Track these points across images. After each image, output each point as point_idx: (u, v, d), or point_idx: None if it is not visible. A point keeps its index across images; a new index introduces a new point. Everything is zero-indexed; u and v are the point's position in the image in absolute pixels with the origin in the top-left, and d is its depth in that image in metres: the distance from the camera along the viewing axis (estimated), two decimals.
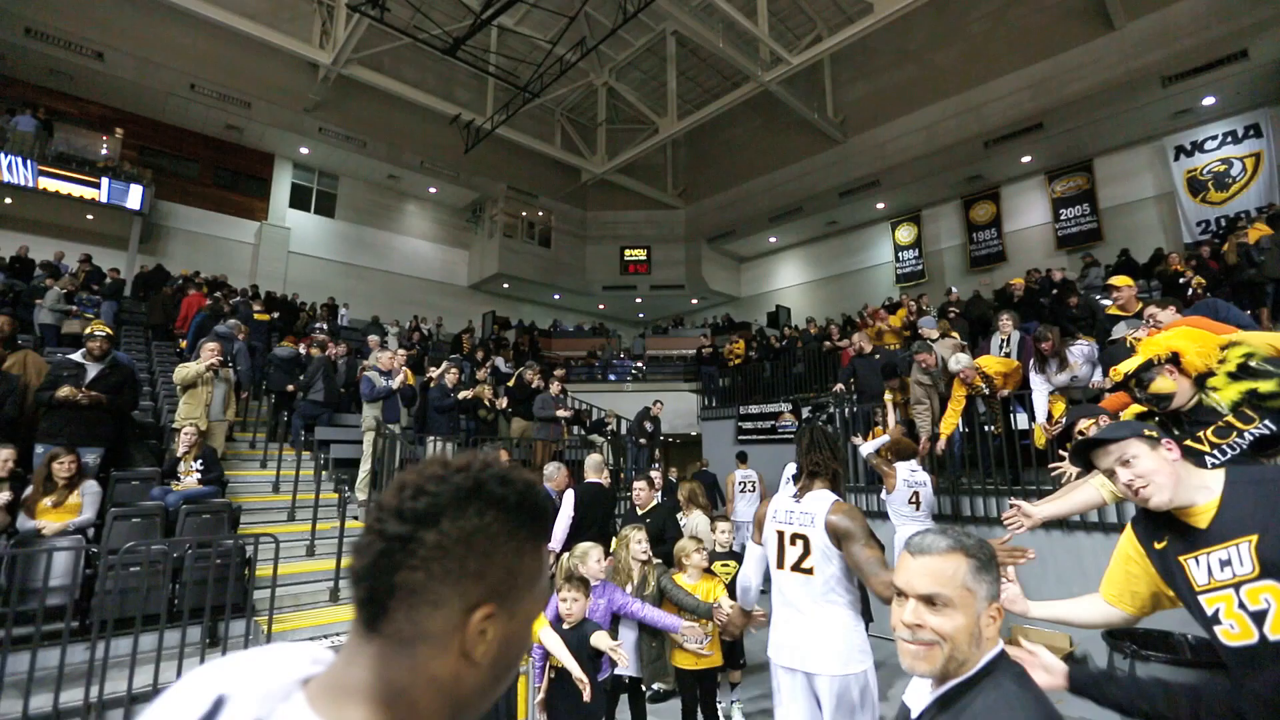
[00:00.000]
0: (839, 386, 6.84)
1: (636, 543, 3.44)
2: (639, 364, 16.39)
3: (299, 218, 16.15)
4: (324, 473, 6.54)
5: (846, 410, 6.91)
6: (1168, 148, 12.18)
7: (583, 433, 8.77)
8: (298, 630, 4.54)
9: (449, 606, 0.53)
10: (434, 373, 7.67)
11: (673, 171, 19.76)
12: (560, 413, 7.64)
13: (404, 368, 7.01)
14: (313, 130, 14.62)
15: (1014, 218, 14.25)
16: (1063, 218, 13.37)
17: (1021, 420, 4.99)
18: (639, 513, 4.46)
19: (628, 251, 19.83)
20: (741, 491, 7.77)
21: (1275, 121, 11.19)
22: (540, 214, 19.20)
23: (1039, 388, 4.41)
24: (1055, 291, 7.68)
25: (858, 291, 16.55)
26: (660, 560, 3.61)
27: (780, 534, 2.38)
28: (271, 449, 6.81)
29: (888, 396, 5.72)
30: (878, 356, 6.34)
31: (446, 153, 16.40)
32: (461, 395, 7.30)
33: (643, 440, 8.70)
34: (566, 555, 3.20)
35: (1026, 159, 13.41)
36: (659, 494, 5.66)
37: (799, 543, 2.31)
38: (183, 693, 0.53)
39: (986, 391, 4.78)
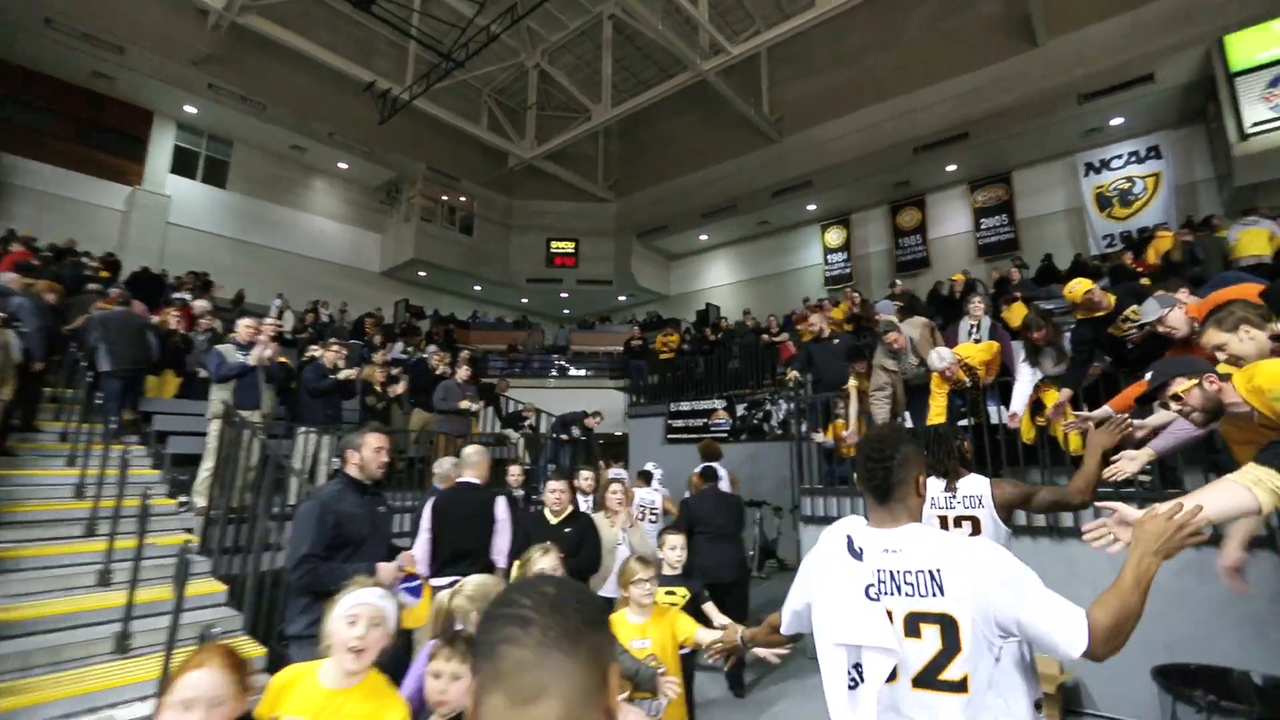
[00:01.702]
0: (793, 374, 6.24)
1: (540, 569, 2.43)
2: (560, 359, 15.57)
3: (182, 185, 14.28)
4: (159, 472, 5.41)
5: (801, 401, 6.37)
6: (1079, 164, 12.76)
7: (499, 428, 7.95)
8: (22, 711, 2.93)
9: None
10: (315, 351, 6.50)
11: (605, 163, 19.14)
12: (464, 404, 6.66)
13: (273, 341, 5.70)
14: (201, 86, 12.93)
15: (938, 225, 14.59)
16: (983, 227, 13.79)
17: (994, 411, 4.58)
18: (551, 520, 3.66)
19: (555, 243, 19.02)
20: (640, 520, 5.41)
21: (1173, 145, 11.91)
22: (462, 199, 18.06)
23: (1026, 378, 4.04)
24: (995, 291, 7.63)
25: (786, 293, 16.51)
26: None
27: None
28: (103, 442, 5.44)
29: (852, 383, 5.18)
30: (836, 341, 5.81)
31: (360, 125, 15.02)
32: (342, 375, 6.03)
33: (564, 437, 7.85)
34: (444, 595, 2.23)
35: (951, 168, 13.73)
36: (589, 499, 4.65)
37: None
38: None
39: (969, 384, 4.39)
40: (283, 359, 5.98)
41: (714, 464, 5.86)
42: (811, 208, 16.11)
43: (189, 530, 4.95)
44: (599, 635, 0.62)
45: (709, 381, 11.21)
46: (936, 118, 12.74)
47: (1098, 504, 1.72)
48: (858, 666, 1.28)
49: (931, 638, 1.27)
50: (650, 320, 17.19)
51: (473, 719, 0.60)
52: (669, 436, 10.58)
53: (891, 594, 1.32)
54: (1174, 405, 1.69)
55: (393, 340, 9.18)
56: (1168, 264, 7.17)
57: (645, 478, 6.03)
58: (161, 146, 14.03)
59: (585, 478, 4.63)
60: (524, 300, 20.70)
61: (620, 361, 14.23)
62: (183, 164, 14.33)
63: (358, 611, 1.73)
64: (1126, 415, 2.67)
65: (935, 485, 2.34)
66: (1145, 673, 3.29)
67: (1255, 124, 9.82)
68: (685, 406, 10.70)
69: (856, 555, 1.38)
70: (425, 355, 7.15)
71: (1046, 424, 4.00)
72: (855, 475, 1.88)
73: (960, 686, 1.24)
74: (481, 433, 7.52)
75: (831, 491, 5.62)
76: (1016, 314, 7.30)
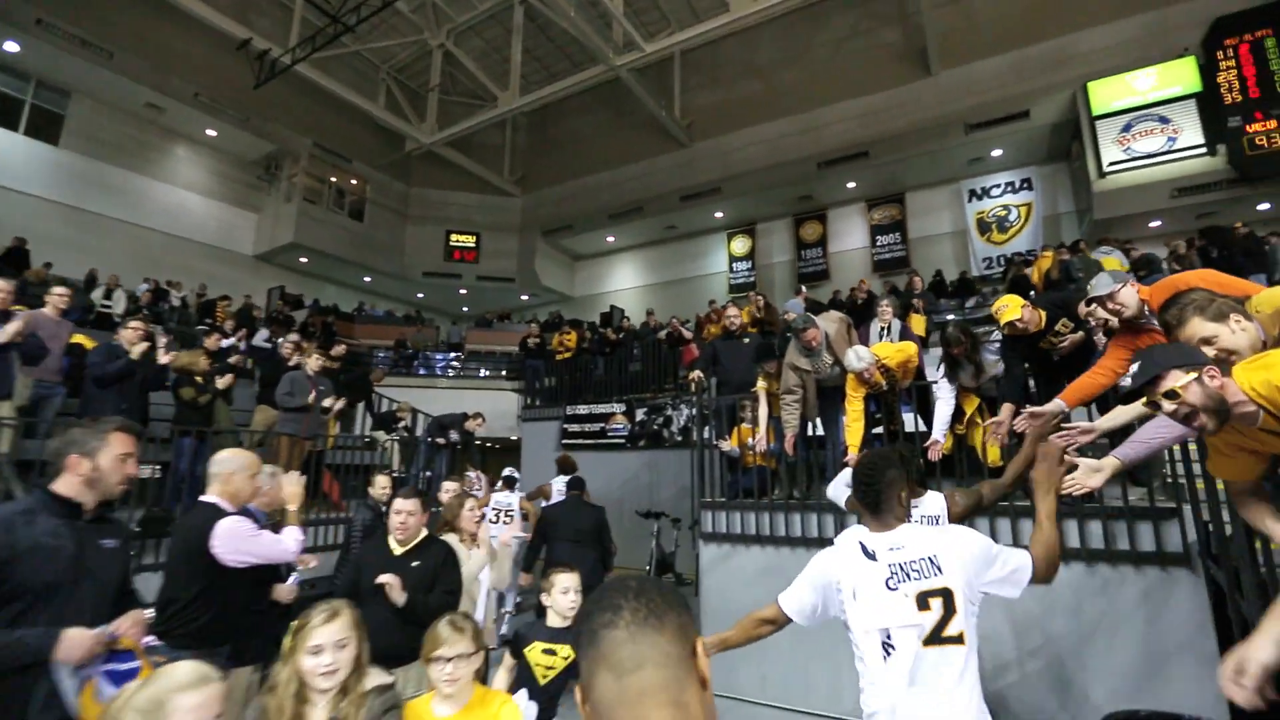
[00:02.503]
0: (695, 375, 5.69)
1: (317, 648, 1.65)
2: (454, 357, 14.61)
3: (1, 138, 12.09)
4: None
5: (704, 405, 5.73)
6: (963, 190, 13.63)
7: (371, 429, 7.07)
8: None
9: None
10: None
11: (511, 156, 18.37)
12: (314, 399, 5.48)
13: (61, 316, 4.57)
14: (27, 20, 10.98)
15: (838, 239, 15.11)
16: (879, 244, 14.41)
17: (909, 419, 4.50)
18: (396, 550, 2.82)
19: (454, 236, 18.00)
20: (494, 523, 5.87)
21: (1042, 179, 12.99)
22: (354, 182, 16.67)
23: (946, 397, 3.83)
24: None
25: (691, 298, 16.49)
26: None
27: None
28: None
29: (760, 385, 4.72)
30: (745, 340, 5.32)
31: (234, 89, 13.41)
32: (136, 351, 4.72)
33: (440, 441, 6.94)
34: (115, 698, 1.39)
35: (851, 184, 14.26)
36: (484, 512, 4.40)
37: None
38: None
39: (886, 387, 4.19)
40: (80, 338, 4.90)
41: (577, 475, 6.11)
42: (719, 215, 16.22)
43: None
44: (682, 615, 0.71)
45: (608, 384, 10.69)
46: (839, 135, 13.16)
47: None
48: (888, 641, 1.64)
49: (937, 607, 1.64)
50: (552, 320, 16.59)
51: (585, 699, 0.67)
52: (564, 442, 10.02)
53: (904, 581, 1.68)
54: (1166, 405, 1.42)
55: (248, 328, 7.81)
56: (1048, 282, 7.62)
57: (509, 483, 6.33)
58: None
59: (473, 476, 4.09)
60: (420, 295, 19.44)
61: (518, 360, 13.53)
62: (2, 112, 12.13)
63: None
64: (1059, 412, 2.52)
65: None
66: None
67: (1111, 164, 10.85)
68: (582, 410, 10.17)
69: (871, 557, 1.73)
70: (280, 341, 6.16)
71: (965, 432, 3.92)
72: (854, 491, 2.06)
73: (959, 640, 1.64)
74: (347, 434, 6.64)
75: (735, 505, 5.01)
76: (917, 323, 7.47)
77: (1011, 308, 3.39)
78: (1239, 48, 10.13)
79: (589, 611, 0.70)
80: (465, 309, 20.42)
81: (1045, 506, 1.77)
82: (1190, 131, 10.35)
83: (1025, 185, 13.11)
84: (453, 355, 14.64)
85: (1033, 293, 7.36)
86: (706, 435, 5.55)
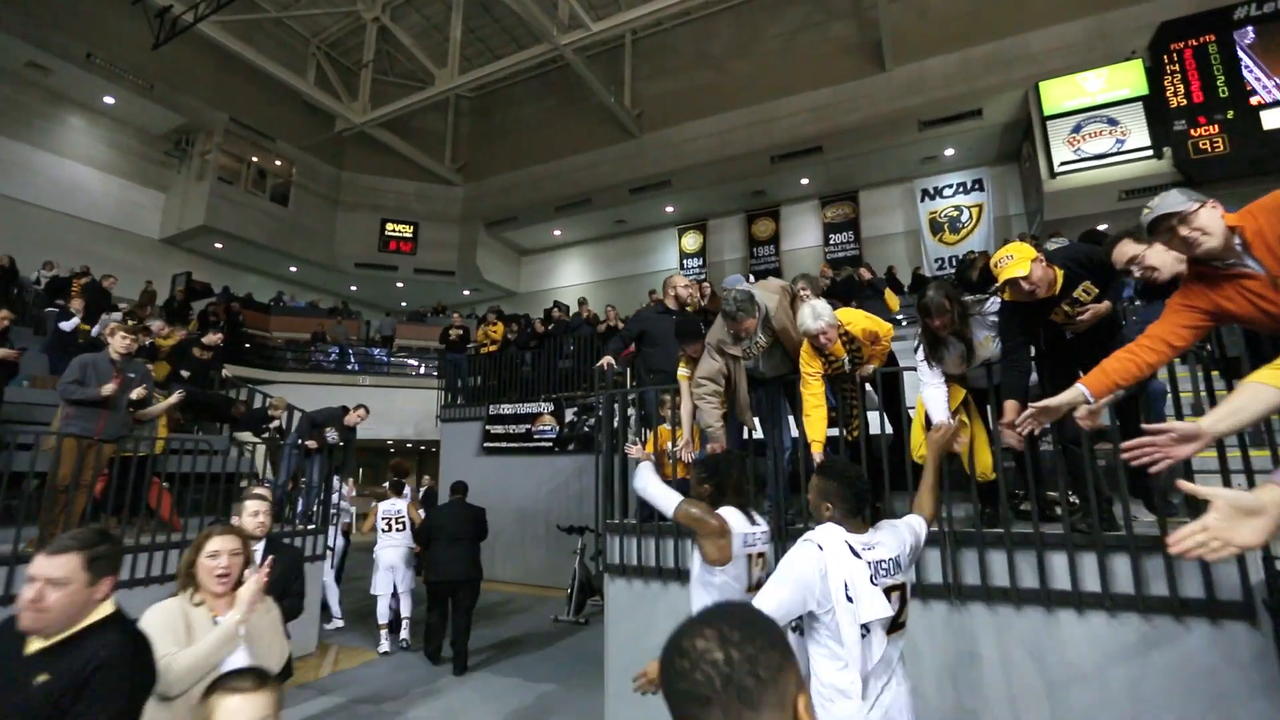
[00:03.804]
0: (607, 360, 4.35)
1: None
2: (379, 353, 13.50)
3: None
4: None
5: (613, 398, 4.44)
6: (916, 189, 13.42)
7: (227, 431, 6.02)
8: None
9: None
10: None
11: (453, 142, 17.39)
12: (108, 388, 4.14)
13: None
14: None
15: (791, 237, 14.73)
16: (832, 242, 14.08)
17: (873, 419, 3.51)
18: (29, 646, 1.39)
19: (390, 225, 16.87)
20: (386, 531, 5.98)
21: (994, 180, 12.87)
22: (278, 163, 15.39)
23: (934, 381, 2.86)
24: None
25: (641, 296, 15.83)
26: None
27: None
28: None
29: (682, 372, 3.67)
30: (675, 316, 4.15)
31: (137, 53, 12.06)
32: None
33: (311, 444, 5.75)
34: None
35: (805, 181, 13.88)
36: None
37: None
38: None
39: (847, 366, 3.25)
40: None
41: (460, 480, 6.06)
42: (670, 210, 15.64)
43: None
44: (780, 683, 0.65)
45: (536, 381, 9.70)
46: (792, 128, 12.75)
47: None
48: (866, 628, 1.79)
49: (896, 600, 1.86)
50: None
51: None
52: (485, 445, 9.09)
53: (881, 577, 1.84)
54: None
55: (102, 308, 6.41)
56: (982, 275, 7.24)
57: (397, 489, 6.29)
58: None
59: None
60: (353, 288, 18.20)
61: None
62: None
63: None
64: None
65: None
66: None
67: (1062, 164, 10.73)
68: (506, 410, 9.22)
69: (857, 555, 1.85)
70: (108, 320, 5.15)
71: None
72: (840, 496, 1.92)
73: (903, 626, 1.92)
74: (190, 435, 5.57)
75: (650, 530, 3.84)
76: (892, 301, 6.98)
77: (1018, 260, 2.50)
78: (1184, 52, 10.13)
79: (675, 695, 0.65)
80: (404, 304, 19.24)
81: (930, 468, 2.23)
82: (1138, 134, 10.30)
83: (977, 186, 12.98)
84: (377, 351, 13.54)
85: (1050, 243, 5.95)
86: (618, 437, 4.38)
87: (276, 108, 14.86)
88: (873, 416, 3.55)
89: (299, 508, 5.81)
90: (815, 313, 3.07)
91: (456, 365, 10.73)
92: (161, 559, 4.40)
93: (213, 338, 6.03)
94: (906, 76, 11.93)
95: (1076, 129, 10.75)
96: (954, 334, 2.85)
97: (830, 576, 1.77)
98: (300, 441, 5.54)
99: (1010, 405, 2.57)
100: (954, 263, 12.40)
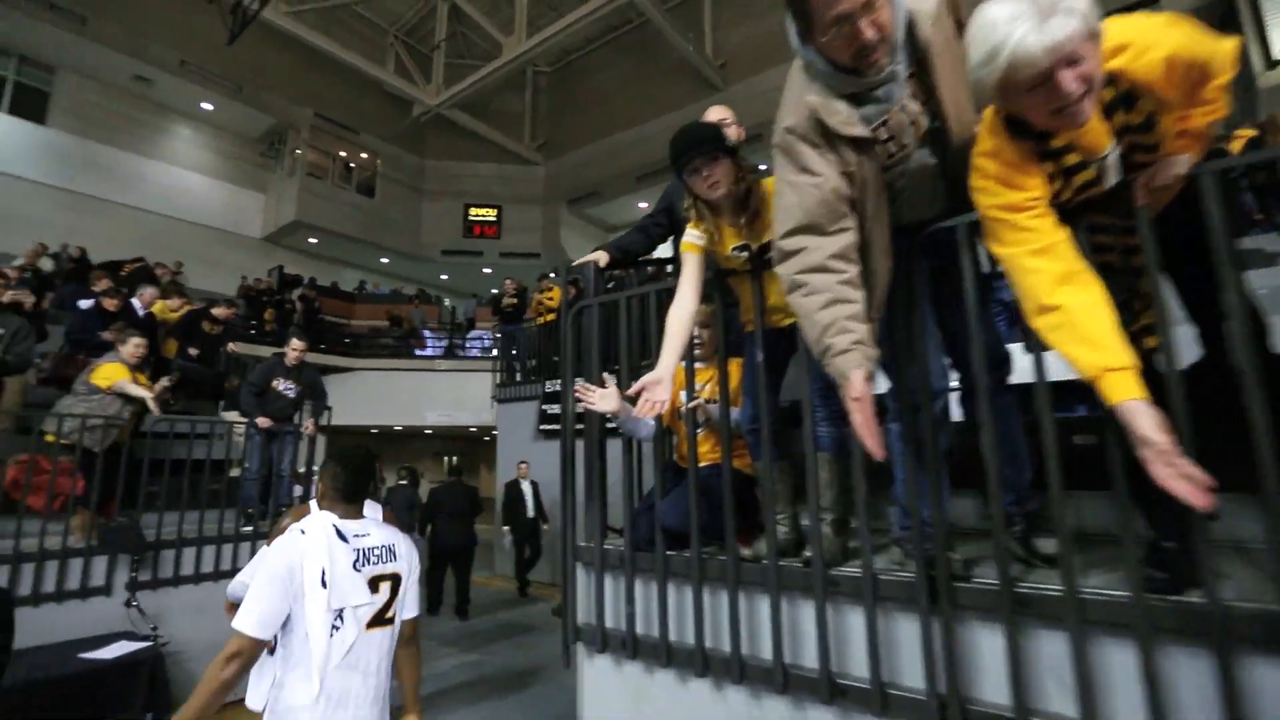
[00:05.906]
0: (598, 254, 2.71)
1: None
2: (450, 337, 13.07)
3: None
4: None
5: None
6: None
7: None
8: None
9: None
10: None
11: (532, 121, 16.81)
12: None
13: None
14: None
15: None
16: None
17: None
18: None
19: (474, 210, 16.63)
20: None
21: None
22: (364, 156, 15.52)
23: None
24: None
25: None
26: None
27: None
28: None
29: (690, 237, 2.01)
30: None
31: (221, 56, 12.36)
32: None
33: (262, 422, 4.55)
34: None
35: None
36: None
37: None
38: None
39: (1111, 172, 1.23)
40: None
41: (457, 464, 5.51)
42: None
43: None
44: None
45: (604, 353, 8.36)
46: None
47: None
48: (338, 622, 1.67)
49: (387, 589, 1.79)
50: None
51: None
52: (541, 427, 7.95)
53: (365, 564, 1.78)
54: None
55: (123, 292, 5.89)
56: None
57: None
58: None
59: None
60: (443, 276, 18.25)
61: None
62: None
63: None
64: None
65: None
66: None
67: None
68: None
69: (344, 539, 1.77)
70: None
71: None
72: (333, 479, 1.78)
73: (391, 621, 1.81)
74: (180, 417, 4.95)
75: (646, 568, 2.06)
76: None
77: None
78: None
79: None
80: (493, 290, 19.09)
81: None
82: None
83: None
84: (430, 335, 13.16)
85: None
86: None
87: (356, 99, 14.92)
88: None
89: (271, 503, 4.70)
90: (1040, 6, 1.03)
91: (510, 338, 9.57)
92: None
93: (224, 311, 5.58)
94: None
95: None
96: None
97: (307, 564, 1.68)
98: (249, 410, 4.55)
99: None
100: None
